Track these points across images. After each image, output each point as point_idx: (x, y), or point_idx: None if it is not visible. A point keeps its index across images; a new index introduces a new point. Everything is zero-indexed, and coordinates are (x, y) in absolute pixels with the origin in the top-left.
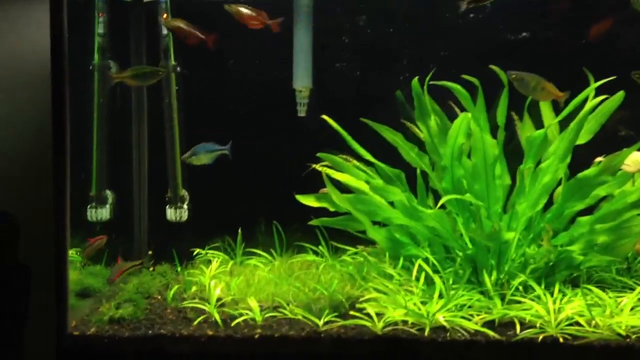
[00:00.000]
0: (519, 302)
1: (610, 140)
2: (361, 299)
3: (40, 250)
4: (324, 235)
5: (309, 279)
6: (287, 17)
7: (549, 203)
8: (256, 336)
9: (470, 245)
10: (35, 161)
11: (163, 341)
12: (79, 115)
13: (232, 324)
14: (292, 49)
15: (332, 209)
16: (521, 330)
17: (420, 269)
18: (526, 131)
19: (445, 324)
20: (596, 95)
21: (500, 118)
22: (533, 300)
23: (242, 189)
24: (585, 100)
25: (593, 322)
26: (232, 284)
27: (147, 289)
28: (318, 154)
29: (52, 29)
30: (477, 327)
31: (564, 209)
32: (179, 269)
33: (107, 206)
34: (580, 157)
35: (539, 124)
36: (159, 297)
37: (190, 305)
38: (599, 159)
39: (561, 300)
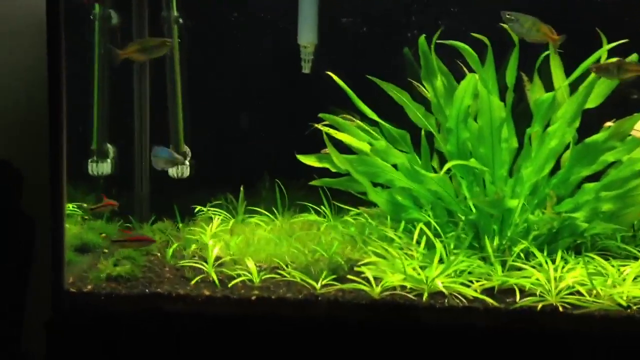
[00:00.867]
0: (520, 269)
1: (621, 104)
2: (360, 263)
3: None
4: (326, 195)
5: (309, 239)
6: None
7: (556, 168)
8: (253, 297)
9: (473, 210)
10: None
11: (159, 300)
12: (79, 67)
13: (229, 285)
14: (297, 3)
15: (334, 170)
16: (521, 298)
17: (422, 232)
18: (536, 93)
19: (443, 290)
20: (609, 57)
21: (510, 79)
22: (534, 267)
23: (246, 146)
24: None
25: (594, 291)
26: (232, 244)
27: (147, 246)
28: (320, 114)
29: None
30: (476, 294)
31: (570, 175)
32: (180, 225)
33: (109, 160)
34: (590, 122)
35: (549, 85)
36: (159, 254)
37: (189, 264)
38: (608, 123)
39: (563, 268)
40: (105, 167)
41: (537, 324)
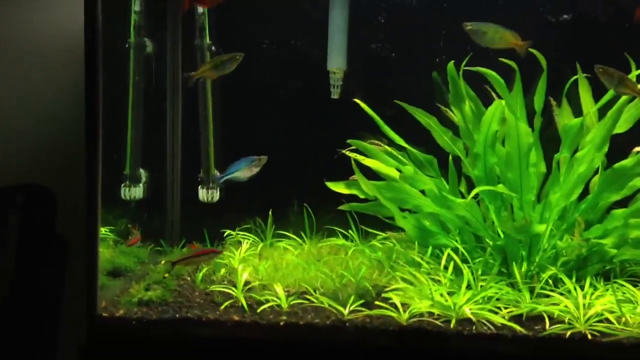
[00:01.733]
0: (548, 295)
1: None
2: (387, 289)
3: (77, 228)
4: (354, 219)
5: (337, 264)
6: None
7: (585, 193)
8: (281, 323)
9: (501, 235)
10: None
11: (189, 325)
12: (115, 93)
13: (258, 310)
14: (327, 29)
15: (362, 196)
16: (549, 325)
17: (449, 258)
18: (564, 118)
19: (471, 316)
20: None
21: (538, 103)
22: (563, 294)
23: (275, 172)
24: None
25: (623, 318)
26: (260, 268)
27: (178, 270)
28: (348, 140)
29: (87, 7)
30: (504, 321)
31: (599, 200)
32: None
33: (141, 185)
34: (618, 147)
35: (578, 110)
36: (189, 278)
37: (218, 289)
38: (637, 148)
39: (591, 295)
40: (137, 192)
41: (566, 352)
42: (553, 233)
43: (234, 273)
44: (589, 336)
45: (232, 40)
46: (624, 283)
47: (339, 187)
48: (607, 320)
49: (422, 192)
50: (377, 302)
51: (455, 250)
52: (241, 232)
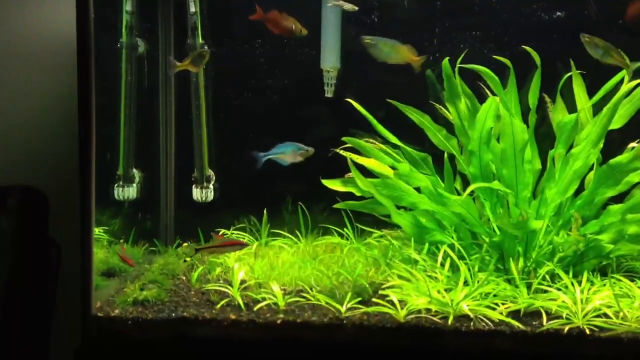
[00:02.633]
0: (546, 291)
1: None
2: (384, 286)
3: (70, 229)
4: (349, 217)
5: (333, 262)
6: None
7: (580, 189)
8: (278, 321)
9: (497, 232)
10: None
11: (185, 324)
12: (107, 93)
13: (255, 309)
14: (320, 28)
15: (358, 194)
16: (547, 321)
17: (446, 255)
18: (558, 114)
19: (469, 313)
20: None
21: (532, 100)
22: (560, 289)
23: (269, 169)
24: (620, 83)
25: (621, 313)
26: (256, 267)
27: (173, 270)
28: (343, 138)
29: (78, 6)
30: (502, 317)
31: (594, 196)
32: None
33: (134, 185)
34: (613, 143)
35: (572, 106)
36: (184, 278)
37: (214, 288)
38: (632, 144)
39: (589, 290)
40: (131, 192)
41: (564, 347)
42: (549, 229)
43: (229, 272)
44: (587, 331)
45: (225, 39)
46: (621, 278)
47: (335, 185)
48: (605, 315)
49: (418, 189)
50: (374, 300)
51: (452, 247)
52: (236, 232)
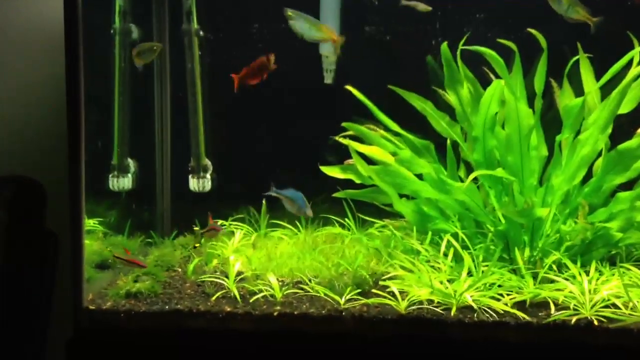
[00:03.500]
0: (553, 281)
1: None
2: (385, 277)
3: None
4: (350, 207)
5: (333, 253)
6: None
7: (588, 176)
8: (275, 313)
9: (502, 220)
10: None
11: (179, 317)
12: (100, 81)
13: (251, 300)
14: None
15: (358, 181)
16: (554, 311)
17: (449, 244)
18: (565, 99)
19: (473, 304)
20: None
21: (538, 85)
22: (567, 279)
23: (268, 159)
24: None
25: (630, 304)
26: (254, 258)
27: (168, 261)
28: (343, 124)
29: None
30: (507, 308)
31: (603, 183)
32: (202, 240)
33: (129, 175)
34: (622, 128)
35: (579, 92)
36: (180, 270)
37: (210, 279)
38: None
39: (597, 280)
40: (126, 182)
41: (571, 339)
42: (556, 217)
43: (226, 264)
44: (595, 322)
45: (222, 24)
46: (631, 267)
47: (334, 172)
48: (614, 306)
49: (420, 177)
50: (374, 291)
51: (455, 236)
52: (234, 223)
